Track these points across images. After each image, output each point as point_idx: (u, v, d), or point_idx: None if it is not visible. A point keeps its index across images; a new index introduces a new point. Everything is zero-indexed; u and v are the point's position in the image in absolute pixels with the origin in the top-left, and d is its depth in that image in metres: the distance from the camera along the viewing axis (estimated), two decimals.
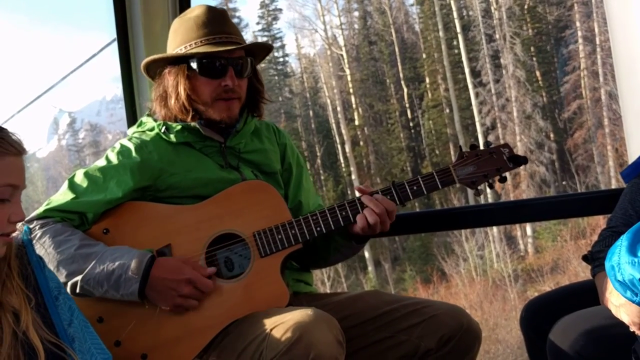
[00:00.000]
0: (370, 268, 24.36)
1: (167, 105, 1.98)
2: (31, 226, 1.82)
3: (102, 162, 1.94)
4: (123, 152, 1.95)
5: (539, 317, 2.07)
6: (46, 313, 1.36)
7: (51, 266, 1.75)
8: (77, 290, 1.76)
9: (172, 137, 1.96)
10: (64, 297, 1.44)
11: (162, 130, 1.97)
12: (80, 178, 1.90)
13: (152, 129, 2.00)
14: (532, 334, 2.09)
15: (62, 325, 1.38)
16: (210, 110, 1.96)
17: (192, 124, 1.96)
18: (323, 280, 21.39)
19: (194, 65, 1.94)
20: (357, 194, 1.95)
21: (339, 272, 22.09)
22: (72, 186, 1.89)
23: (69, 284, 1.76)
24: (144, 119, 2.07)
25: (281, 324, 1.66)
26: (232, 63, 1.94)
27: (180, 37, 1.97)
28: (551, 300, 2.16)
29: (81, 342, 1.41)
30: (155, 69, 2.03)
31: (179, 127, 1.96)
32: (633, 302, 1.25)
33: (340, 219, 1.90)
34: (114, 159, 1.93)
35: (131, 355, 1.80)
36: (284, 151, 2.18)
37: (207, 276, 1.82)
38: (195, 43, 1.93)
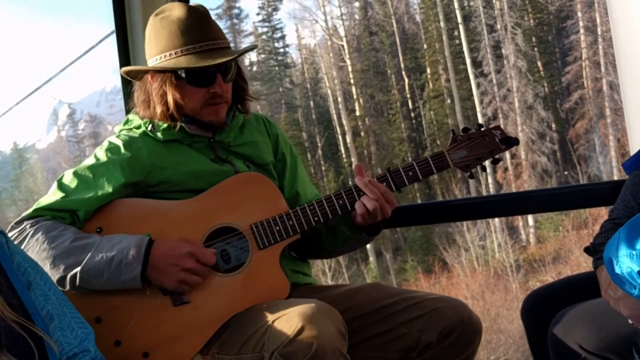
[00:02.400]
0: (371, 258, 24.40)
1: (151, 109, 1.96)
2: (21, 226, 1.81)
3: (91, 161, 1.93)
4: (112, 149, 1.93)
5: (540, 308, 2.07)
6: (10, 293, 1.28)
7: (47, 262, 1.73)
8: (77, 283, 1.74)
9: (159, 135, 1.95)
10: (35, 271, 1.38)
11: (149, 129, 1.96)
12: (69, 178, 1.88)
13: (138, 127, 1.99)
14: (533, 325, 2.09)
15: (33, 305, 1.31)
16: (199, 115, 1.95)
17: (178, 123, 1.94)
18: (324, 270, 21.44)
19: (181, 74, 1.90)
20: (356, 175, 1.94)
21: (340, 262, 22.12)
22: (62, 186, 1.87)
23: (68, 277, 1.74)
24: (130, 116, 2.05)
25: (283, 316, 1.66)
26: (220, 70, 1.91)
27: (163, 42, 1.91)
28: (552, 291, 2.16)
29: (61, 319, 1.36)
30: (137, 72, 2.01)
31: (165, 125, 1.95)
32: (631, 294, 1.25)
33: (338, 208, 1.90)
34: (103, 157, 1.91)
35: (132, 354, 1.79)
36: (276, 142, 2.16)
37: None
38: (181, 51, 1.88)
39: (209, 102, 1.93)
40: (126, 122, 2.05)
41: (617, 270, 1.23)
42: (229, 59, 1.88)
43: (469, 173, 1.95)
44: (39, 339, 1.25)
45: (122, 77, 2.67)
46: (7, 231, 1.79)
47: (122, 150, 1.92)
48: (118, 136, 1.99)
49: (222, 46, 1.92)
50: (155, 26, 1.95)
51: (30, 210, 1.85)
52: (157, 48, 1.93)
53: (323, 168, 28.21)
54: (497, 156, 1.96)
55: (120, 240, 1.76)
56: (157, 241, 1.78)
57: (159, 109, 1.93)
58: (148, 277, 1.76)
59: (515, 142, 1.96)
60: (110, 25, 2.69)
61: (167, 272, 1.76)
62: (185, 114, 1.95)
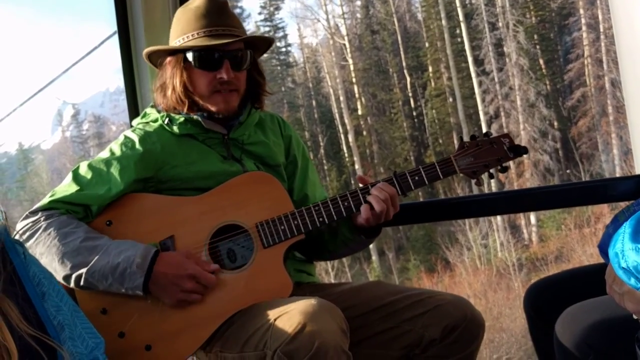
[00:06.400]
0: (374, 258, 24.38)
1: (166, 95, 1.99)
2: (36, 217, 1.83)
3: (106, 154, 1.95)
4: (127, 143, 1.96)
5: (542, 299, 2.07)
6: (26, 304, 1.30)
7: (56, 257, 1.76)
8: (82, 283, 1.77)
9: (175, 128, 1.97)
10: (49, 282, 1.39)
11: (166, 122, 1.98)
12: (84, 170, 1.91)
13: (155, 120, 2.02)
14: (534, 315, 2.09)
15: (46, 315, 1.33)
16: (208, 102, 1.97)
17: (194, 116, 1.97)
18: (327, 270, 21.43)
19: (190, 57, 1.95)
20: (360, 185, 1.96)
21: (342, 262, 22.10)
22: (77, 178, 1.89)
23: (74, 276, 1.76)
24: (148, 110, 2.08)
25: (285, 314, 1.66)
26: (229, 56, 1.94)
27: (181, 27, 1.98)
28: (555, 282, 2.15)
29: (71, 329, 1.37)
30: (157, 58, 2.05)
31: (182, 119, 1.97)
32: (637, 289, 1.25)
33: (343, 210, 1.91)
34: (118, 151, 1.94)
35: (135, 346, 1.81)
36: (288, 144, 2.18)
37: (210, 272, 1.83)
38: (192, 35, 1.94)
39: (216, 88, 1.96)
40: (144, 116, 2.08)
41: (623, 264, 1.23)
42: (231, 40, 1.92)
43: (476, 180, 1.96)
44: (52, 350, 1.27)
45: (124, 77, 2.69)
46: (20, 219, 1.83)
47: (137, 145, 1.94)
48: (134, 130, 2.01)
49: (234, 33, 1.95)
50: (177, 15, 2.02)
51: (46, 201, 1.87)
52: (175, 34, 2.00)
53: (325, 167, 28.18)
54: (504, 164, 1.97)
55: (128, 248, 1.78)
56: (161, 256, 1.80)
57: (169, 92, 1.97)
58: (149, 288, 1.78)
59: (524, 150, 1.97)
60: (113, 26, 2.70)
61: (168, 290, 1.79)
62: (197, 106, 1.98)
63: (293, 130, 2.23)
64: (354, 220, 1.95)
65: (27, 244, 1.78)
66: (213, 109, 1.97)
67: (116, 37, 2.69)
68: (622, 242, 1.23)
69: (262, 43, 2.08)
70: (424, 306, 1.90)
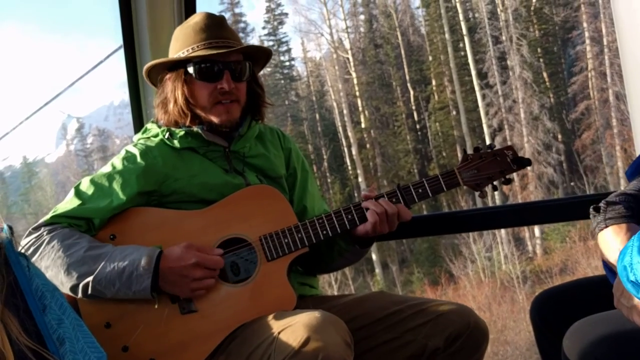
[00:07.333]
0: (377, 270, 24.33)
1: (167, 110, 2.01)
2: (39, 232, 1.83)
3: (107, 169, 1.96)
4: (128, 158, 1.97)
5: (549, 308, 2.05)
6: (26, 316, 1.30)
7: (61, 269, 1.76)
8: (89, 292, 1.76)
9: (176, 142, 1.98)
10: (52, 295, 1.38)
11: (166, 137, 1.99)
12: (86, 185, 1.92)
13: (156, 135, 2.03)
14: (541, 325, 2.07)
15: (46, 328, 1.33)
16: (210, 114, 1.99)
17: (195, 129, 1.98)
18: (330, 282, 21.38)
19: (191, 69, 1.97)
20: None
21: (346, 274, 22.08)
22: (78, 193, 1.90)
23: (81, 285, 1.76)
24: (149, 125, 2.09)
25: (289, 327, 1.66)
26: (229, 67, 1.97)
27: (180, 43, 2.01)
28: (563, 292, 2.14)
29: (72, 343, 1.36)
30: (156, 76, 2.07)
31: (182, 132, 1.98)
32: None
33: (346, 222, 1.91)
34: (119, 165, 1.95)
35: None
36: (288, 156, 2.19)
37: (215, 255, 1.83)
38: (192, 48, 1.97)
39: (217, 99, 1.97)
40: (144, 131, 2.09)
41: (632, 278, 1.22)
42: (231, 49, 1.94)
43: (479, 192, 1.96)
44: None
45: (129, 91, 2.70)
46: (24, 236, 1.84)
47: (139, 159, 1.95)
48: (135, 145, 2.02)
49: (233, 45, 1.97)
50: (176, 33, 2.06)
51: (48, 216, 1.87)
52: (174, 50, 2.02)
53: (329, 180, 28.21)
54: (508, 176, 1.97)
55: (132, 252, 1.78)
56: (165, 252, 1.80)
57: (171, 106, 1.99)
58: (160, 287, 1.78)
59: (527, 162, 1.98)
60: (118, 40, 2.71)
61: (179, 283, 1.79)
62: (199, 119, 2.00)
63: (293, 143, 2.24)
64: (354, 231, 1.95)
65: (32, 259, 1.78)
66: (215, 120, 1.99)
67: (120, 52, 2.71)
68: (630, 255, 1.22)
69: (261, 56, 2.10)
70: (427, 315, 1.90)
